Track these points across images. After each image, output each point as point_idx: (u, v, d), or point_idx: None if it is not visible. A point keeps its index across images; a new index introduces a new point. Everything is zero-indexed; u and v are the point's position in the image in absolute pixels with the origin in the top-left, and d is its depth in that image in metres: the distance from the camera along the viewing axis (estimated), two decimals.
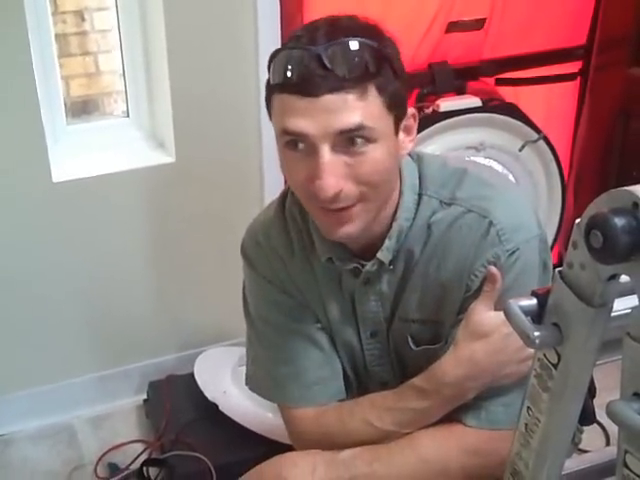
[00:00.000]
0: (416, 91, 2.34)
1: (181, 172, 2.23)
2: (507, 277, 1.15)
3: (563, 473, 0.91)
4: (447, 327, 1.22)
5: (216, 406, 2.07)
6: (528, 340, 0.78)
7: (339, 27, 1.09)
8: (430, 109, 2.30)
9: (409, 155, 1.24)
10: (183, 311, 2.39)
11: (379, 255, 1.21)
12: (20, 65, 1.94)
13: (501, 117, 2.37)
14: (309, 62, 1.04)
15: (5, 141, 2.00)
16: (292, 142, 1.09)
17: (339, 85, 1.04)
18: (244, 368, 2.15)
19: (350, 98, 1.05)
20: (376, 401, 1.25)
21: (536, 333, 0.78)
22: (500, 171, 2.50)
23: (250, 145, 2.26)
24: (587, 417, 1.23)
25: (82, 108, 2.61)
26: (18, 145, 2.03)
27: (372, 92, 1.07)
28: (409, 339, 1.27)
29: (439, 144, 2.32)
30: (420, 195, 1.21)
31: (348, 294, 1.28)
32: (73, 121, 2.36)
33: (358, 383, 1.36)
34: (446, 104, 2.29)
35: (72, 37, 2.53)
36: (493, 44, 2.39)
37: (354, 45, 1.06)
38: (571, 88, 2.59)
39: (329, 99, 1.04)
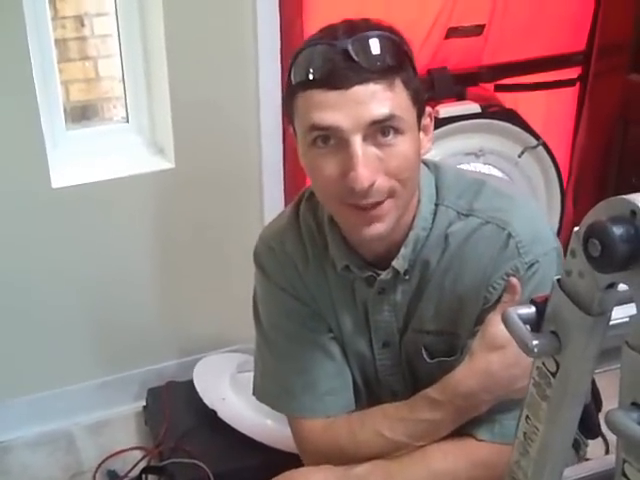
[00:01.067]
0: None
1: (181, 178, 2.23)
2: (525, 289, 1.14)
3: None
4: (463, 339, 1.21)
5: (215, 413, 2.07)
6: (526, 348, 0.78)
7: (358, 26, 1.10)
8: None
9: (426, 165, 1.24)
10: (182, 317, 2.39)
11: (394, 264, 1.20)
12: (20, 70, 1.94)
13: (500, 123, 2.37)
14: (335, 56, 1.05)
15: (4, 146, 2.01)
16: (321, 138, 1.09)
17: (367, 77, 1.05)
18: (243, 375, 2.17)
19: (379, 89, 1.06)
20: (388, 412, 1.23)
21: (534, 342, 0.77)
22: (500, 177, 2.51)
23: (250, 151, 2.26)
24: (593, 430, 1.23)
25: (81, 113, 2.62)
26: (17, 150, 2.03)
27: (398, 85, 1.08)
28: (423, 351, 1.26)
29: (438, 150, 2.32)
30: (437, 205, 1.21)
31: (361, 303, 1.27)
32: (72, 126, 2.36)
33: (368, 393, 1.35)
34: (445, 110, 2.29)
35: (72, 42, 2.53)
36: (492, 50, 2.39)
37: (378, 39, 1.07)
38: (570, 94, 2.59)
39: (358, 90, 1.05)
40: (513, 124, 2.39)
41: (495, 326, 1.13)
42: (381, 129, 1.07)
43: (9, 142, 2.01)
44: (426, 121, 1.16)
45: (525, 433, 0.87)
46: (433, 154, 2.29)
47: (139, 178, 2.21)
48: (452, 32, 2.30)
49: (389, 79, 1.07)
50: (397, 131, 1.08)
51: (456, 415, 1.17)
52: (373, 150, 1.08)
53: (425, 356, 1.26)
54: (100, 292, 2.26)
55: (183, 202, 2.26)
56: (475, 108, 2.33)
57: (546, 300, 0.79)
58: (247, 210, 2.29)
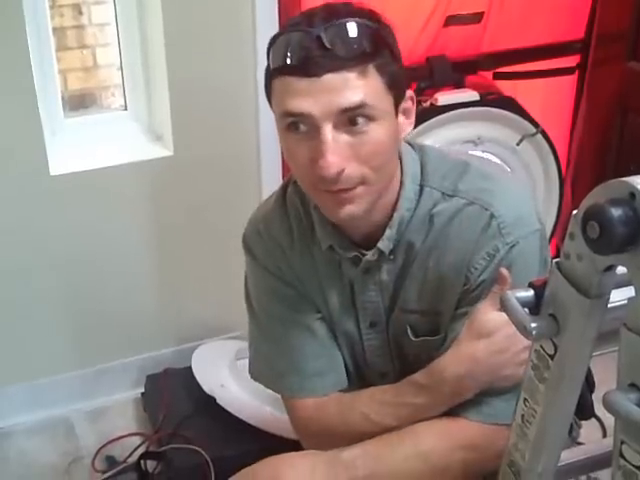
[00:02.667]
0: (414, 85, 2.34)
1: (179, 165, 2.23)
2: (506, 270, 1.14)
3: (559, 464, 0.91)
4: (446, 318, 1.22)
5: (214, 399, 2.07)
6: (525, 331, 0.78)
7: (336, 11, 1.09)
8: (428, 103, 2.30)
9: (410, 145, 1.25)
10: (181, 304, 2.39)
11: (379, 245, 1.21)
12: (18, 58, 1.94)
13: (499, 111, 2.37)
14: (309, 43, 1.05)
15: (3, 134, 2.00)
16: (293, 124, 1.10)
17: (340, 64, 1.05)
18: (242, 361, 2.18)
19: (351, 77, 1.06)
20: (375, 395, 1.25)
21: (533, 324, 0.78)
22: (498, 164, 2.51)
23: (248, 138, 2.26)
24: (585, 411, 1.24)
25: (80, 102, 2.61)
26: (16, 138, 2.02)
27: (372, 71, 1.08)
28: (408, 330, 1.27)
29: (437, 137, 2.32)
30: (422, 186, 1.22)
31: (348, 283, 1.28)
32: (71, 114, 2.35)
33: (357, 374, 1.36)
34: (444, 98, 2.29)
35: (70, 30, 2.53)
36: (491, 38, 2.38)
37: (352, 26, 1.07)
38: (569, 82, 2.59)
39: (330, 78, 1.05)
40: (512, 112, 2.38)
41: (484, 314, 1.14)
42: (353, 116, 1.07)
43: (8, 130, 2.00)
44: (407, 104, 1.17)
45: (523, 416, 0.88)
46: (431, 142, 2.31)
47: (137, 165, 2.21)
48: (451, 20, 2.30)
49: (362, 66, 1.07)
50: (369, 118, 1.08)
51: (442, 400, 1.18)
52: (344, 137, 1.09)
53: (410, 335, 1.27)
54: (99, 278, 2.27)
55: (182, 189, 2.26)
56: (474, 96, 2.33)
57: (544, 283, 0.80)
58: (246, 197, 2.29)
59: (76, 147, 2.24)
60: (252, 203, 2.30)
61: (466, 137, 2.35)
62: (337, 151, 1.08)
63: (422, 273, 1.22)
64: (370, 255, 1.22)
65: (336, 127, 1.08)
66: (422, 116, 2.29)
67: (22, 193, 2.09)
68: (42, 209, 2.13)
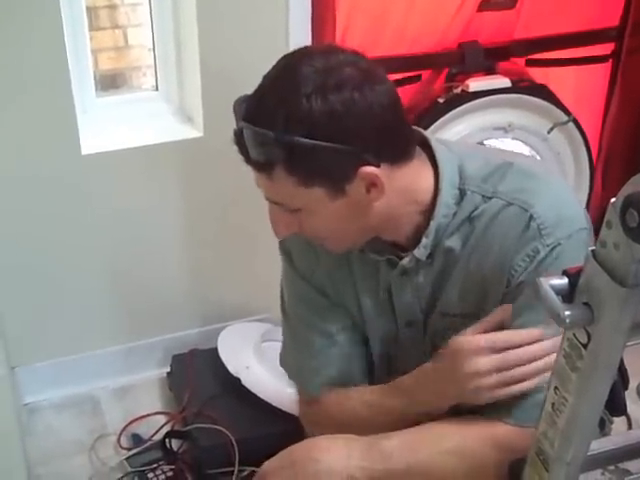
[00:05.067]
0: (445, 70, 2.33)
1: (209, 147, 2.23)
2: (548, 272, 1.10)
3: (587, 454, 0.91)
4: None
5: (239, 380, 2.08)
6: (558, 318, 0.78)
7: (263, 102, 1.09)
8: (459, 89, 2.29)
9: (449, 149, 1.22)
10: (208, 285, 2.40)
11: (415, 252, 1.20)
12: (52, 37, 1.95)
13: (531, 98, 2.35)
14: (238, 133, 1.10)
15: (36, 112, 2.01)
16: None
17: (253, 164, 1.09)
18: (267, 344, 2.19)
19: (262, 176, 1.10)
20: (365, 393, 1.29)
21: (567, 312, 0.77)
22: (528, 153, 2.49)
23: None
24: (618, 408, 1.23)
25: (111, 82, 2.62)
26: (48, 117, 2.03)
27: (280, 173, 1.08)
28: (450, 333, 1.23)
29: (467, 124, 2.31)
30: (462, 190, 1.19)
31: (385, 284, 1.27)
32: (102, 94, 2.36)
33: (389, 372, 1.35)
34: (475, 84, 2.28)
35: (102, 10, 2.53)
36: (525, 24, 2.36)
37: (250, 136, 1.07)
38: (602, 70, 2.56)
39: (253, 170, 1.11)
40: (543, 99, 2.37)
41: (463, 333, 1.15)
42: None
43: (41, 109, 2.02)
44: (366, 182, 1.10)
45: (553, 404, 0.87)
46: (462, 128, 2.30)
47: (167, 146, 2.22)
48: (485, 5, 2.28)
49: (267, 170, 1.08)
50: (296, 211, 1.12)
51: (416, 406, 1.19)
52: (285, 216, 1.15)
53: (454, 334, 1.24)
54: (127, 259, 2.28)
55: (211, 171, 2.26)
56: (505, 82, 2.31)
57: (579, 271, 0.79)
58: None
59: (107, 126, 2.25)
60: None
61: (497, 124, 2.34)
62: (281, 223, 1.16)
63: (464, 277, 1.21)
64: (406, 261, 1.21)
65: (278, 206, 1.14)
66: (453, 102, 2.28)
67: (53, 171, 2.10)
68: (73, 188, 2.15)
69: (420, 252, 1.20)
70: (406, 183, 1.16)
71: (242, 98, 1.13)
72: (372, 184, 1.11)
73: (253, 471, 1.88)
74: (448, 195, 1.18)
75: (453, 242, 1.20)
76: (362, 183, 1.10)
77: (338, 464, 1.13)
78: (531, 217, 1.14)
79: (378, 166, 1.10)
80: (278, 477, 1.15)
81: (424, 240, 1.19)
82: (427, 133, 1.25)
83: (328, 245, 1.22)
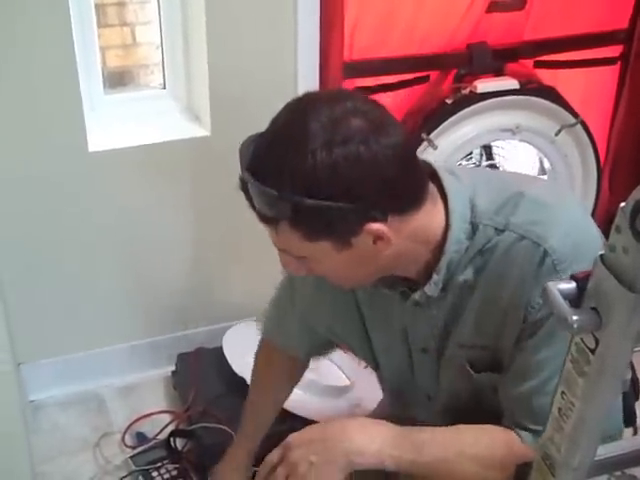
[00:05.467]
0: (454, 71, 2.32)
1: (216, 146, 2.23)
2: None
3: (594, 459, 0.90)
4: (507, 354, 1.20)
5: (244, 380, 2.08)
6: (566, 323, 0.77)
7: (269, 155, 1.10)
8: (467, 90, 2.28)
9: (458, 179, 1.20)
10: (214, 284, 2.40)
11: (426, 289, 1.19)
12: (60, 34, 1.95)
13: (539, 100, 2.35)
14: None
15: (44, 109, 2.01)
16: None
17: (261, 217, 1.11)
18: None
19: (267, 227, 1.11)
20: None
21: (574, 317, 0.77)
22: (535, 155, 2.49)
23: None
24: (629, 419, 1.24)
25: (118, 79, 2.62)
26: (56, 113, 2.03)
27: (285, 228, 1.08)
28: (467, 365, 1.25)
29: (475, 125, 2.31)
30: (474, 224, 1.17)
31: (398, 314, 1.28)
32: (109, 92, 2.36)
33: (400, 395, 1.38)
34: (483, 85, 2.28)
35: (110, 7, 2.53)
36: (534, 25, 2.36)
37: (257, 192, 1.08)
38: (611, 72, 2.56)
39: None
40: (551, 101, 2.36)
41: None
42: None
43: (49, 105, 2.02)
44: (374, 234, 1.09)
45: (560, 409, 0.87)
46: (469, 129, 2.30)
47: (174, 144, 2.22)
48: (494, 6, 2.27)
49: (273, 223, 1.09)
50: (303, 259, 1.14)
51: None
52: (294, 262, 1.17)
53: (470, 370, 1.25)
54: (133, 256, 2.28)
55: (217, 170, 2.25)
56: (514, 84, 2.31)
57: (587, 276, 0.79)
58: None
59: (114, 124, 2.25)
60: None
61: (504, 126, 2.33)
62: (289, 267, 1.19)
63: (479, 309, 1.20)
64: (418, 296, 1.20)
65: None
66: (461, 103, 2.28)
67: (60, 168, 2.10)
68: (79, 184, 2.15)
69: (431, 288, 1.19)
70: (416, 228, 1.14)
71: (248, 141, 1.14)
72: (378, 237, 1.10)
73: (257, 471, 1.88)
74: (459, 230, 1.16)
75: (466, 275, 1.18)
76: (369, 237, 1.09)
77: (370, 447, 1.14)
78: (545, 252, 1.12)
79: (385, 221, 1.09)
80: (305, 449, 1.15)
81: (435, 276, 1.17)
82: (436, 165, 1.22)
83: (337, 284, 1.24)
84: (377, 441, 1.14)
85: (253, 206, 1.10)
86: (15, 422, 1.46)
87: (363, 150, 1.03)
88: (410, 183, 1.11)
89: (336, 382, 1.71)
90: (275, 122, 1.13)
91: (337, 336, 1.43)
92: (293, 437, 1.18)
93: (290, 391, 1.66)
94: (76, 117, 2.06)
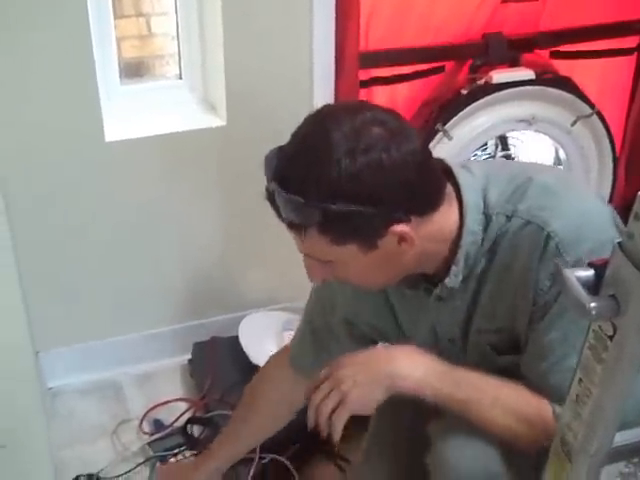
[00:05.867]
0: (469, 62, 2.32)
1: (232, 136, 2.24)
2: None
3: (611, 446, 0.91)
4: (523, 336, 1.23)
5: (259, 369, 2.09)
6: (584, 310, 0.78)
7: (294, 165, 1.13)
8: (482, 80, 2.28)
9: (471, 173, 1.25)
10: (231, 273, 2.41)
11: (447, 282, 1.24)
12: (77, 24, 1.96)
13: (554, 91, 2.34)
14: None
15: (60, 99, 2.02)
16: None
17: (287, 223, 1.15)
18: (288, 333, 2.20)
19: (294, 233, 1.15)
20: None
21: (592, 304, 0.78)
22: (551, 146, 2.48)
23: (301, 113, 2.25)
24: None
25: (134, 70, 2.63)
26: (73, 104, 2.04)
27: (312, 233, 1.12)
28: (488, 348, 1.29)
29: (490, 116, 2.30)
30: (487, 215, 1.21)
31: (423, 309, 1.32)
32: (125, 82, 2.37)
33: None
34: (499, 76, 2.27)
35: None
36: (550, 15, 2.35)
37: (284, 199, 1.11)
38: (627, 63, 2.54)
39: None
40: (567, 92, 2.36)
41: None
42: None
43: (66, 95, 2.03)
44: (392, 237, 1.15)
45: (577, 395, 0.88)
46: (485, 120, 2.30)
47: (190, 134, 2.23)
48: None
49: (300, 230, 1.13)
50: (328, 263, 1.17)
51: None
52: (318, 266, 1.20)
53: (493, 354, 1.29)
54: (150, 246, 2.30)
55: (233, 160, 2.27)
56: (529, 74, 2.30)
57: (605, 263, 0.79)
58: None
59: (131, 114, 2.26)
60: None
61: (520, 116, 2.33)
62: (314, 273, 1.22)
63: (493, 294, 1.24)
64: (439, 290, 1.25)
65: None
66: (476, 94, 2.28)
67: (77, 158, 2.12)
68: (96, 174, 2.16)
69: (451, 280, 1.24)
70: (436, 228, 1.20)
71: (272, 154, 1.17)
72: (402, 238, 1.15)
73: (273, 459, 1.90)
74: (474, 222, 1.21)
75: (483, 264, 1.23)
76: (393, 238, 1.15)
77: (414, 374, 1.19)
78: (548, 236, 1.15)
79: (409, 221, 1.14)
80: (351, 368, 1.21)
81: (454, 268, 1.22)
82: (450, 161, 1.27)
83: (362, 286, 1.29)
84: (421, 369, 1.19)
85: (280, 215, 1.13)
86: (35, 409, 1.47)
87: (385, 157, 1.09)
88: (428, 186, 1.17)
89: None
90: (297, 134, 1.17)
91: (379, 334, 1.46)
92: (345, 357, 1.24)
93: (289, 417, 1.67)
94: (93, 107, 2.07)
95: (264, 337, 2.22)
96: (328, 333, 1.50)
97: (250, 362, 2.13)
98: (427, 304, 1.30)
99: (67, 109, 2.05)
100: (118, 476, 1.95)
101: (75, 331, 2.30)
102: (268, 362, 1.70)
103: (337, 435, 1.21)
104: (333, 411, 1.19)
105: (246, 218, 2.34)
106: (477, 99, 2.27)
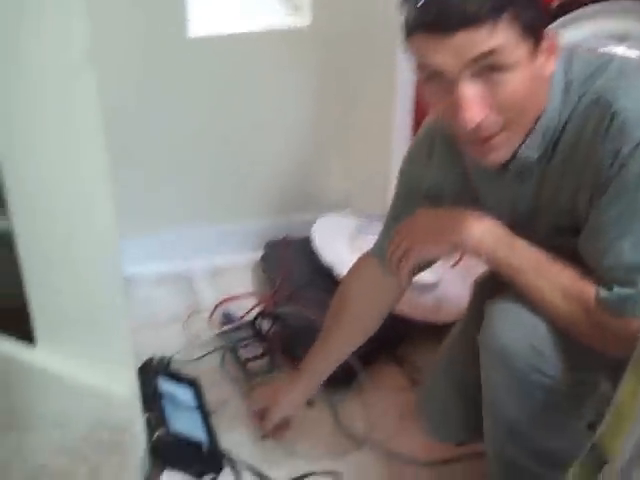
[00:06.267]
0: None
1: (315, 36, 2.22)
2: (631, 172, 1.14)
3: None
4: (583, 218, 1.23)
5: (331, 271, 2.12)
6: None
7: None
8: None
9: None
10: (310, 174, 2.42)
11: (523, 153, 1.24)
12: None
13: None
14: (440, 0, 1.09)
15: None
16: (431, 76, 1.16)
17: (473, 18, 1.08)
18: (362, 236, 2.21)
19: (484, 30, 1.09)
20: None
21: None
22: None
23: (384, 17, 2.22)
24: None
25: None
26: None
27: (505, 22, 1.09)
28: (553, 229, 1.31)
29: (582, 30, 2.24)
30: (567, 90, 1.22)
31: (501, 187, 1.33)
32: None
33: None
34: None
35: None
36: None
37: None
38: None
39: (463, 33, 1.08)
40: None
41: None
42: (487, 67, 1.11)
43: None
44: (549, 44, 1.17)
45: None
46: (575, 34, 2.23)
47: (274, 34, 2.22)
48: None
49: (494, 19, 1.08)
50: (504, 68, 1.12)
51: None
52: (480, 88, 1.13)
53: (556, 234, 1.31)
54: (230, 142, 2.32)
55: (317, 60, 2.26)
56: None
57: None
58: (379, 74, 2.28)
59: (215, 11, 2.25)
60: (385, 81, 2.31)
61: (613, 31, 2.25)
62: (472, 106, 1.13)
63: (560, 173, 1.25)
64: (515, 164, 1.26)
65: (472, 79, 1.12)
66: (567, 7, 2.21)
67: (159, 54, 2.13)
68: (178, 71, 2.17)
69: (527, 152, 1.24)
70: (540, 67, 1.19)
71: None
72: (551, 48, 1.17)
73: None
74: (556, 98, 1.22)
75: (556, 141, 1.24)
76: (544, 54, 1.17)
77: (474, 234, 1.27)
78: (615, 113, 1.15)
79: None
80: (422, 220, 1.35)
81: (528, 140, 1.23)
82: None
83: (506, 138, 1.21)
84: (482, 230, 1.27)
85: (455, 18, 1.08)
86: (114, 293, 1.51)
87: None
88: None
89: (423, 279, 1.74)
90: None
91: None
92: (416, 213, 1.37)
93: (378, 320, 1.68)
94: (178, 2, 2.08)
95: (337, 239, 2.24)
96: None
97: (322, 264, 2.16)
98: (504, 181, 1.31)
99: (151, 3, 2.05)
100: (189, 361, 2.02)
101: (152, 221, 2.35)
102: (353, 265, 1.69)
103: (404, 281, 1.40)
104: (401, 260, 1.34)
105: (330, 119, 2.34)
106: (567, 13, 2.21)
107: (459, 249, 1.32)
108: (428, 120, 1.48)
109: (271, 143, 2.36)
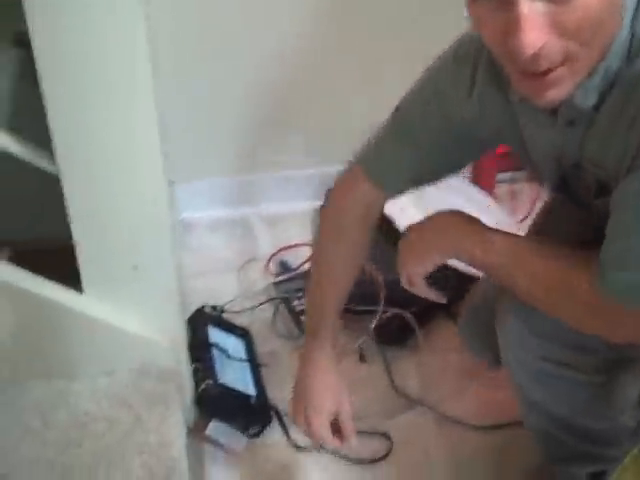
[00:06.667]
0: None
1: None
2: None
3: None
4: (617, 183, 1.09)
5: (392, 222, 2.06)
6: None
7: None
8: None
9: None
10: (372, 124, 2.35)
11: (577, 98, 1.06)
12: None
13: None
14: None
15: None
16: None
17: None
18: (424, 188, 2.13)
19: None
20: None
21: None
22: None
23: None
24: None
25: None
26: None
27: None
28: (594, 187, 1.16)
29: None
30: (633, 34, 1.02)
31: (550, 134, 1.17)
32: None
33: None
34: None
35: None
36: None
37: None
38: None
39: None
40: None
41: None
42: None
43: None
44: None
45: None
46: None
47: None
48: None
49: None
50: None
51: None
52: (544, 7, 0.91)
53: (596, 191, 1.17)
54: (296, 85, 2.26)
55: None
56: None
57: None
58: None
59: None
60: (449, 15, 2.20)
61: None
62: (534, 26, 0.91)
63: (609, 130, 1.08)
64: (566, 109, 1.09)
65: None
66: None
67: None
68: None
69: (582, 96, 1.05)
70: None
71: None
72: None
73: (396, 314, 1.89)
74: (624, 38, 1.01)
75: (613, 91, 1.05)
76: None
77: (453, 239, 1.21)
78: None
79: None
80: (414, 234, 1.30)
81: (586, 82, 1.03)
82: None
83: (567, 73, 1.01)
84: (459, 236, 1.20)
85: None
86: (167, 237, 1.49)
87: None
88: None
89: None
90: None
91: (500, 141, 1.35)
92: (409, 228, 1.31)
93: (368, 237, 1.55)
94: None
95: None
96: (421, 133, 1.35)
97: (382, 214, 2.09)
98: (554, 127, 1.14)
99: None
100: (241, 311, 1.99)
101: (209, 166, 2.32)
102: (342, 187, 1.54)
103: (420, 291, 1.32)
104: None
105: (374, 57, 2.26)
106: None
107: (446, 260, 1.26)
108: (466, 37, 1.25)
109: (320, 85, 2.29)
